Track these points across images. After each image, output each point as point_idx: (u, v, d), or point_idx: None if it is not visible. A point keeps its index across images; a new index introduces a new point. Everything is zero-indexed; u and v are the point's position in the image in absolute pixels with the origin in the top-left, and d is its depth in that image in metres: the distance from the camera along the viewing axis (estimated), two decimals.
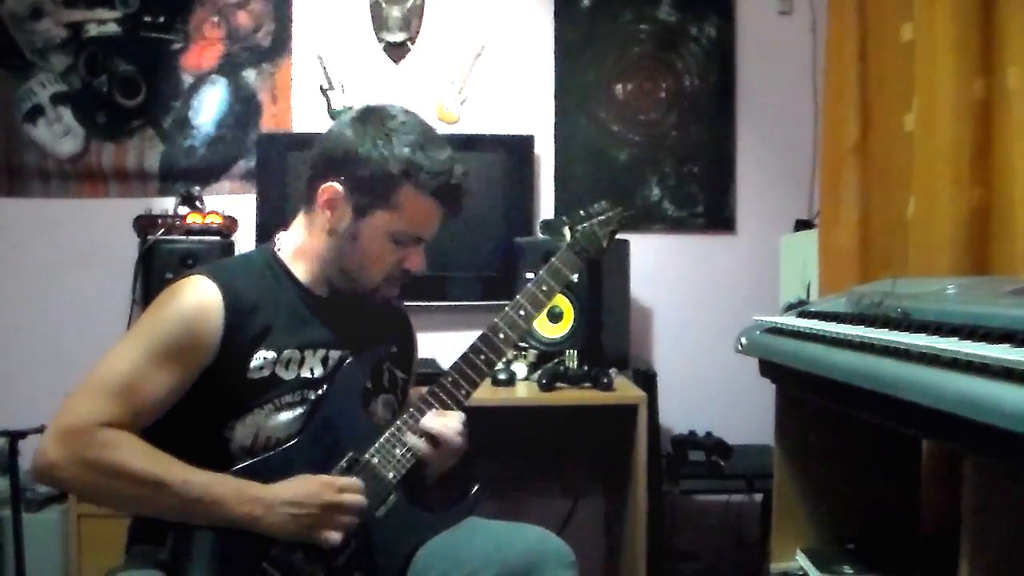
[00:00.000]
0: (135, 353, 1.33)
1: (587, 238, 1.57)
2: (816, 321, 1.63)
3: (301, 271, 1.47)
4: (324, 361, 1.45)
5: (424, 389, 1.49)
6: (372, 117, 1.43)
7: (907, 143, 2.08)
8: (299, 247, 1.48)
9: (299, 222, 1.49)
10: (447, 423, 1.44)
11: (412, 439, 1.42)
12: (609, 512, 2.90)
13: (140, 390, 1.31)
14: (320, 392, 1.42)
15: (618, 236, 1.66)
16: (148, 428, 1.33)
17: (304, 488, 1.32)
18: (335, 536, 1.33)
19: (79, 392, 1.31)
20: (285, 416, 1.39)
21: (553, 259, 1.55)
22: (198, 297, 1.36)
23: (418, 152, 1.39)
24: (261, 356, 1.39)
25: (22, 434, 2.06)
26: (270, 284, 1.45)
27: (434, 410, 1.45)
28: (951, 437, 1.19)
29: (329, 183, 1.41)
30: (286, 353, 1.41)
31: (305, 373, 1.42)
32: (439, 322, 2.78)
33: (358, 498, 1.35)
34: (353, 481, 1.37)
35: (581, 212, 1.60)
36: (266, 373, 1.39)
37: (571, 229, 1.59)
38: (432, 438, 1.43)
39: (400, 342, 1.60)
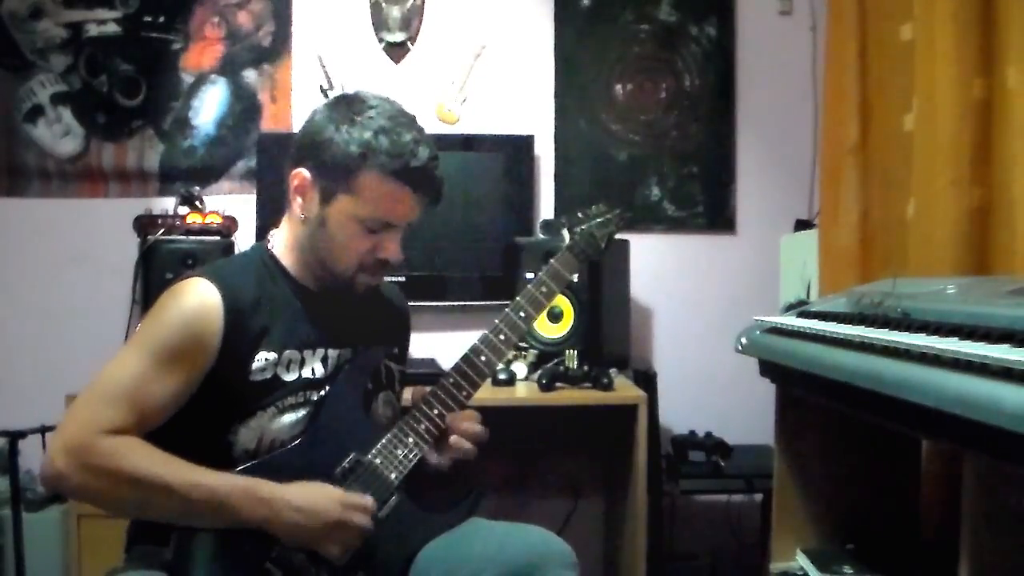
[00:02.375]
0: (136, 359, 1.33)
1: (585, 240, 1.58)
2: (816, 321, 1.63)
3: (293, 266, 1.47)
4: (324, 360, 1.45)
5: (427, 389, 1.49)
6: (343, 103, 1.42)
7: (907, 143, 2.08)
8: (286, 242, 1.48)
9: (285, 217, 1.50)
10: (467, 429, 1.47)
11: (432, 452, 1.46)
12: (609, 512, 2.90)
13: (143, 395, 1.31)
14: (322, 393, 1.42)
15: (618, 236, 1.67)
16: (153, 436, 1.33)
17: (314, 500, 1.32)
18: (336, 552, 1.33)
19: (82, 401, 1.31)
20: (288, 418, 1.39)
21: (552, 261, 1.56)
22: (197, 299, 1.36)
23: (380, 135, 1.37)
24: (263, 358, 1.39)
25: (22, 434, 2.06)
26: (267, 283, 1.45)
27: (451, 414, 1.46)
28: (951, 437, 1.19)
29: (297, 169, 1.42)
30: (287, 354, 1.41)
31: (306, 374, 1.42)
32: (439, 322, 2.79)
33: (365, 520, 1.35)
34: (364, 501, 1.36)
35: (579, 214, 1.61)
36: (268, 375, 1.39)
37: (569, 231, 1.59)
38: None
39: (398, 338, 1.61)
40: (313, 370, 1.43)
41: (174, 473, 1.28)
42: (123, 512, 1.39)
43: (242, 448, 1.37)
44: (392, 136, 1.37)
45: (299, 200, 1.43)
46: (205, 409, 1.36)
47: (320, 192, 1.41)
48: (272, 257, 1.48)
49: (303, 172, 1.41)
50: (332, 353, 1.46)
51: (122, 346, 1.39)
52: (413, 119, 1.44)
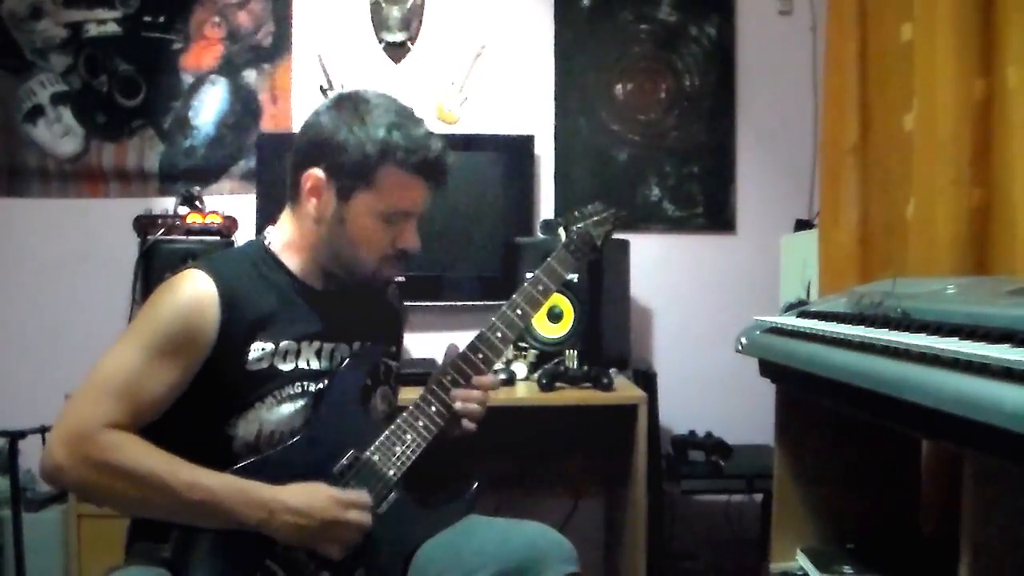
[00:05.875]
0: (134, 351, 1.33)
1: (581, 238, 1.59)
2: (816, 321, 1.63)
3: (293, 263, 1.47)
4: (319, 353, 1.45)
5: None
6: (346, 103, 1.44)
7: (907, 143, 2.08)
8: (288, 240, 1.48)
9: (286, 215, 1.50)
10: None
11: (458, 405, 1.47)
12: (609, 512, 2.90)
13: (142, 389, 1.32)
14: (320, 385, 1.43)
15: (619, 236, 1.67)
16: (152, 429, 1.33)
17: (310, 500, 1.32)
18: (335, 551, 1.34)
19: (82, 393, 1.31)
20: (287, 408, 1.39)
21: (549, 259, 1.57)
22: (193, 289, 1.37)
23: (394, 131, 1.40)
24: (259, 348, 1.39)
25: (22, 434, 2.06)
26: (264, 276, 1.45)
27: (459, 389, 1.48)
28: (951, 437, 1.19)
29: (311, 171, 1.42)
30: (283, 345, 1.41)
31: (303, 364, 1.42)
32: (439, 322, 2.79)
33: (363, 517, 1.35)
34: (361, 497, 1.36)
35: (575, 213, 1.63)
36: (264, 365, 1.39)
37: (565, 230, 1.60)
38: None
39: (393, 335, 1.62)
40: (308, 361, 1.43)
41: (172, 471, 1.28)
42: (120, 508, 1.39)
43: (242, 441, 1.37)
44: (404, 131, 1.40)
45: (313, 201, 1.43)
46: (203, 401, 1.36)
47: (337, 191, 1.42)
48: (269, 253, 1.48)
49: (317, 173, 1.42)
50: (328, 347, 1.46)
51: (119, 336, 1.38)
52: (413, 111, 1.47)
